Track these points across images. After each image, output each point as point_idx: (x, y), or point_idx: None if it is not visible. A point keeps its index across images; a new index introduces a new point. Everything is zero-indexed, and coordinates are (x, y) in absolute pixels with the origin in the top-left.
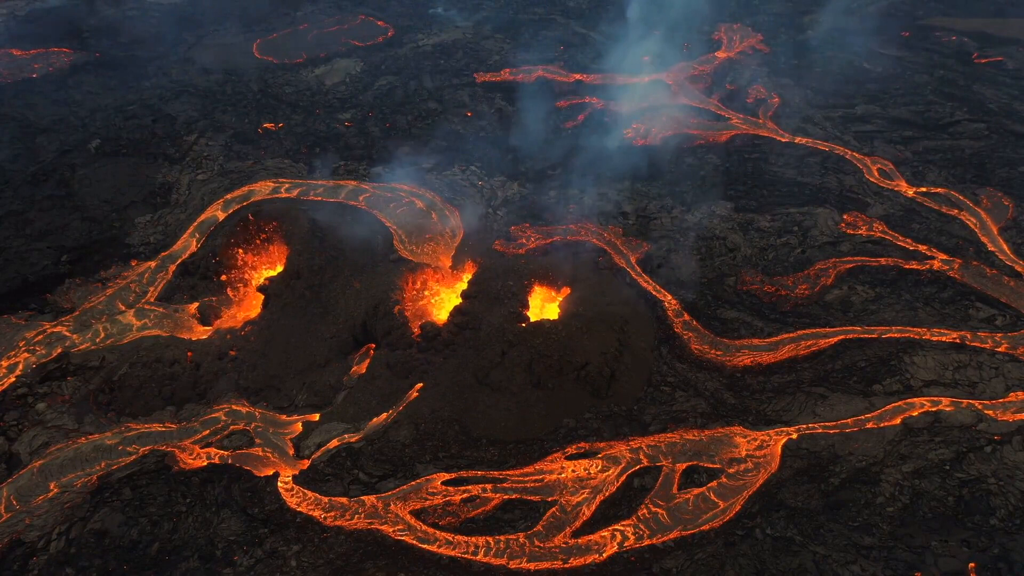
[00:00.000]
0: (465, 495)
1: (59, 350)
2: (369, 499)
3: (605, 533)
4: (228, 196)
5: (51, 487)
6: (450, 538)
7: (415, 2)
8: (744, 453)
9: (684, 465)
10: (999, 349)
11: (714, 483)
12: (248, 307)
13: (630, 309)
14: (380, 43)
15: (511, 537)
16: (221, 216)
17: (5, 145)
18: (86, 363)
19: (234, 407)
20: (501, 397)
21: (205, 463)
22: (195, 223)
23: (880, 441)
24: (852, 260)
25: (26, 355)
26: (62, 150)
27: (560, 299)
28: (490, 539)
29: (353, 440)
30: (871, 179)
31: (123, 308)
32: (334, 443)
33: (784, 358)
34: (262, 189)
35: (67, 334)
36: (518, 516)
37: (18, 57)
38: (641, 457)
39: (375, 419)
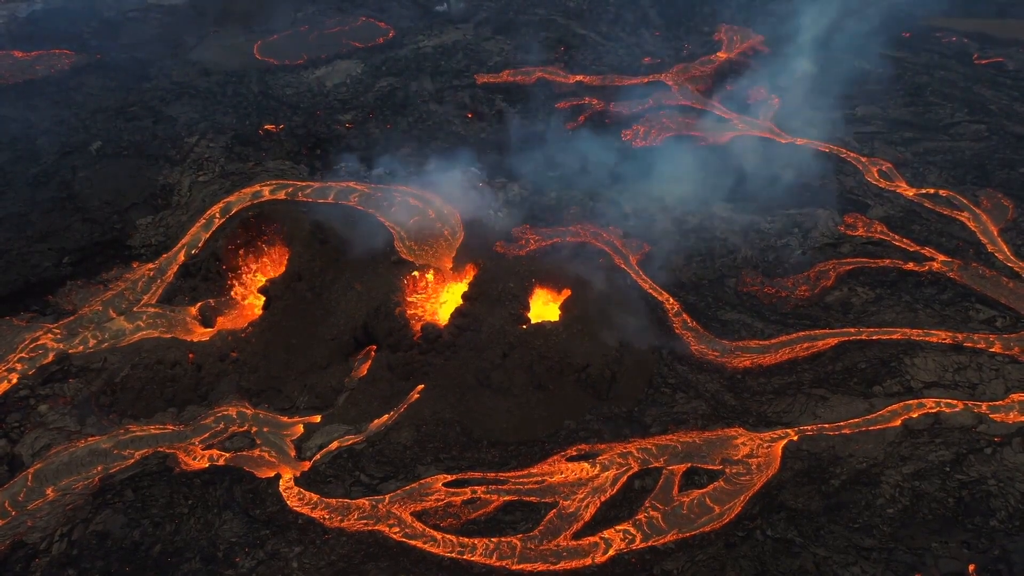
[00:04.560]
0: (466, 497)
1: (50, 358)
2: (370, 501)
3: (606, 535)
4: (212, 209)
5: (47, 492)
6: (451, 539)
7: (416, 3)
8: (744, 454)
9: (684, 467)
10: (998, 350)
11: (713, 485)
12: (249, 309)
13: (630, 310)
14: (381, 44)
15: (512, 539)
16: (205, 236)
17: (6, 147)
18: (88, 365)
19: (233, 409)
20: (502, 399)
21: (207, 465)
22: (196, 225)
23: (880, 442)
24: (852, 261)
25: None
26: (63, 152)
27: (561, 301)
28: (491, 541)
29: (354, 442)
30: (871, 180)
31: (113, 315)
32: (335, 445)
33: (784, 359)
34: (244, 198)
35: (52, 345)
36: (519, 518)
37: (19, 59)
38: (635, 461)
39: (376, 421)
